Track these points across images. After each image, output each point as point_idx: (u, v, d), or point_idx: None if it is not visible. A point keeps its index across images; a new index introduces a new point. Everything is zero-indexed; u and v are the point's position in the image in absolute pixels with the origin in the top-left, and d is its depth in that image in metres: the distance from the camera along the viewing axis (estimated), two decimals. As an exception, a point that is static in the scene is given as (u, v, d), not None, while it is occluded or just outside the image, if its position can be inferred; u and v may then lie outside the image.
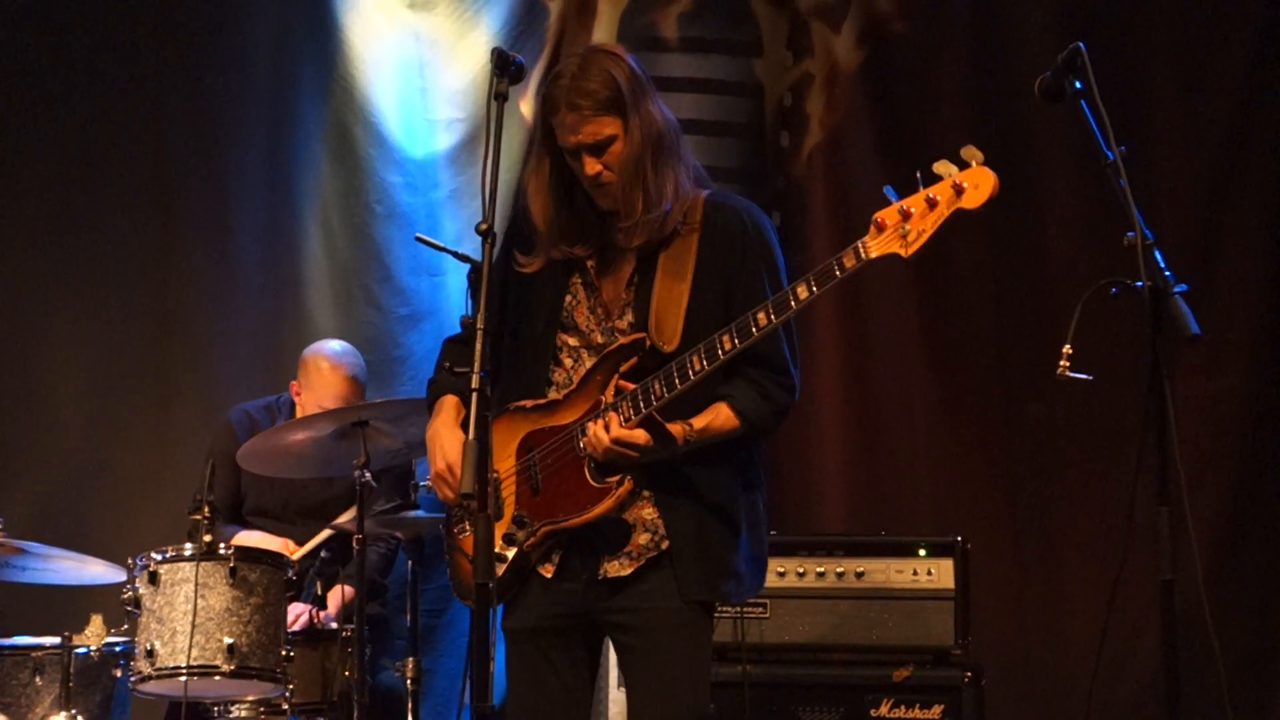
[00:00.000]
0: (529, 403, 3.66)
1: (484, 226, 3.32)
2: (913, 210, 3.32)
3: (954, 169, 3.30)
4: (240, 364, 6.33)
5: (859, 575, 5.15)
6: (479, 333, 3.22)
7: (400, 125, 6.51)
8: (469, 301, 3.81)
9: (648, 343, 3.55)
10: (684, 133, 3.72)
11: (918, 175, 3.33)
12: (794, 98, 6.38)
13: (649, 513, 3.59)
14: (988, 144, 5.97)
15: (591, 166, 3.58)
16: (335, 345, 5.68)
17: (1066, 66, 3.61)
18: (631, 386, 3.51)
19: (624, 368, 3.55)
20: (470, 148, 6.46)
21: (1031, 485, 6.03)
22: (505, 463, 3.65)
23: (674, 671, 3.59)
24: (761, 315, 3.43)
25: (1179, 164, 5.94)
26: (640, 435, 3.47)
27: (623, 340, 3.60)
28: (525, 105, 6.38)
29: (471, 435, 3.15)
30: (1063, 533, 5.96)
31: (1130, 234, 3.49)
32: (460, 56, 6.51)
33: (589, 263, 3.69)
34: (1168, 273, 3.50)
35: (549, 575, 3.63)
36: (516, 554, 3.58)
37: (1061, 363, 3.81)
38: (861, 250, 3.38)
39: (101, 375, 6.40)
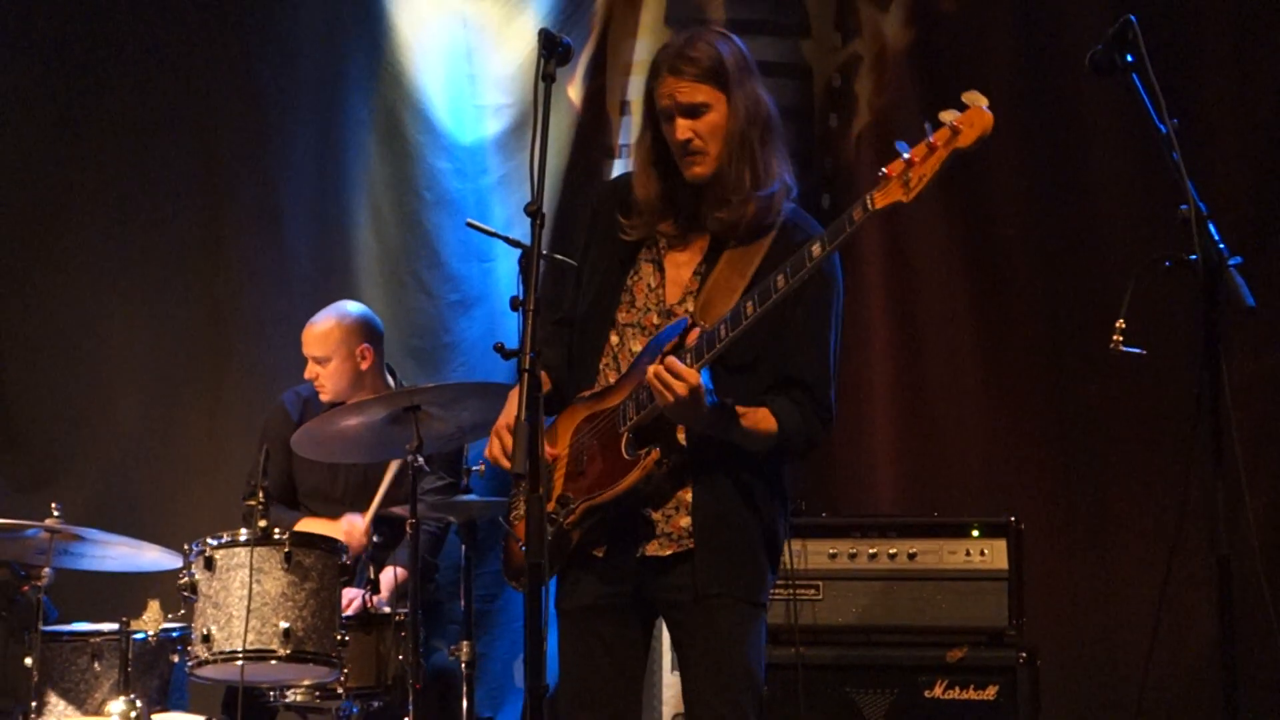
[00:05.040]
0: (587, 392, 3.68)
1: (533, 207, 3.33)
2: (915, 159, 3.35)
3: (955, 114, 3.33)
4: (292, 350, 6.33)
5: (912, 556, 5.13)
6: (528, 314, 3.22)
7: (449, 111, 6.52)
8: (520, 283, 3.82)
9: (691, 323, 3.56)
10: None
11: (925, 125, 3.35)
12: (843, 79, 6.33)
13: (689, 496, 3.60)
14: (1038, 121, 6.04)
15: (683, 130, 3.59)
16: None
17: (1118, 40, 3.58)
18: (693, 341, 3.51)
19: (668, 347, 3.54)
20: (518, 133, 6.46)
21: (1085, 463, 5.96)
22: (562, 448, 3.68)
23: (727, 649, 3.59)
24: (780, 279, 3.43)
25: (1232, 135, 5.86)
26: (694, 375, 3.42)
27: (668, 323, 3.60)
28: (573, 90, 6.37)
29: (522, 416, 3.16)
30: (1116, 511, 5.90)
31: (1184, 206, 3.46)
32: (507, 42, 6.51)
33: (661, 243, 3.70)
34: (1222, 245, 3.46)
35: (600, 555, 3.64)
36: (555, 533, 3.58)
37: (1115, 338, 3.79)
38: (869, 201, 3.41)
39: (156, 364, 6.46)
